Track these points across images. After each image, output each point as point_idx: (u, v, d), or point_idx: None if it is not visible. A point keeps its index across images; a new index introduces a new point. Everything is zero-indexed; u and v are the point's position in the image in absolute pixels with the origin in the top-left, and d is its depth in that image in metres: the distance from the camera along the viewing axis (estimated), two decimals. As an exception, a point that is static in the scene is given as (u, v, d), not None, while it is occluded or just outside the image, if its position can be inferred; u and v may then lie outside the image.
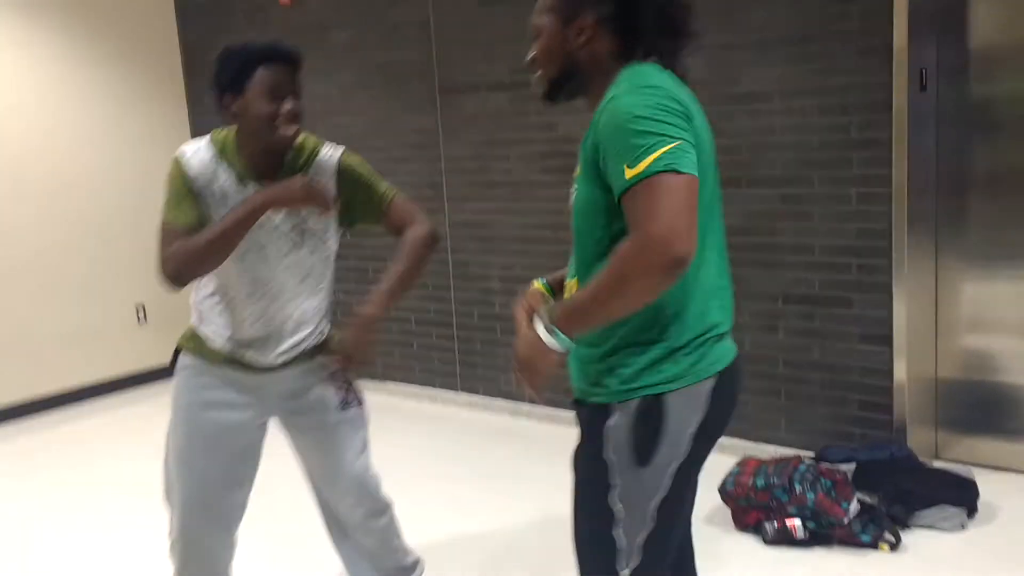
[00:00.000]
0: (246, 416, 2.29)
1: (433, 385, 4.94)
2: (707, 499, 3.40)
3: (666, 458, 1.59)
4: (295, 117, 2.10)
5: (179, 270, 2.05)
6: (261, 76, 2.07)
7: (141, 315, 5.58)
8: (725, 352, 1.67)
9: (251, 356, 2.24)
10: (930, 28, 3.36)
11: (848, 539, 2.98)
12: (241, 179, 2.15)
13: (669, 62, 1.65)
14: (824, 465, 3.20)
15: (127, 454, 4.35)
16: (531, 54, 1.74)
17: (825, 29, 3.44)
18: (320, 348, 2.32)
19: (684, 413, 1.59)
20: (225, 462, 2.28)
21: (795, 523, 3.01)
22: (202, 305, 2.28)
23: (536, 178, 4.33)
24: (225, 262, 2.11)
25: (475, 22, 4.41)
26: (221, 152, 2.16)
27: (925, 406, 3.58)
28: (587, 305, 1.54)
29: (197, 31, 5.68)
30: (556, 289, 1.92)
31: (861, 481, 3.19)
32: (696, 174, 1.48)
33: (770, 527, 3.05)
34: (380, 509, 2.44)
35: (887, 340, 3.48)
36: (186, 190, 2.13)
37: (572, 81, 1.71)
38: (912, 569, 2.85)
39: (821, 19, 3.45)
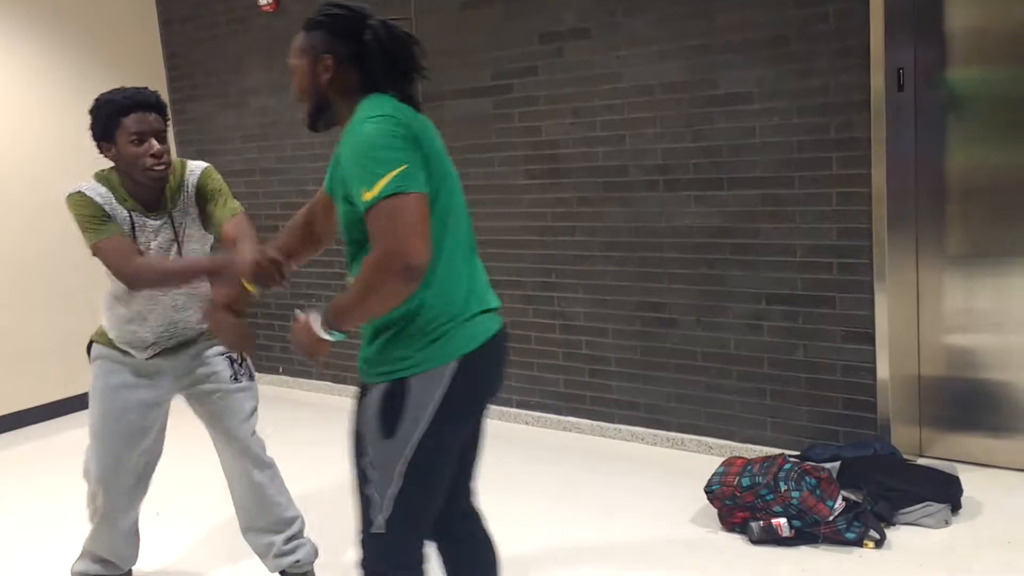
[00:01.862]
0: (148, 395, 2.72)
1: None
2: (694, 499, 3.43)
3: (408, 431, 1.88)
4: (159, 155, 2.49)
5: (146, 284, 2.52)
6: (126, 124, 2.47)
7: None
8: (472, 335, 1.92)
9: (140, 346, 2.67)
10: (907, 28, 3.39)
11: (833, 537, 3.00)
12: (132, 211, 2.57)
13: (401, 94, 1.95)
14: (809, 464, 3.21)
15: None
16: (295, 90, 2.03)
17: (802, 30, 3.47)
18: (204, 334, 2.75)
19: (424, 394, 1.87)
20: (131, 435, 2.70)
21: (781, 522, 3.02)
22: (107, 305, 2.70)
23: (519, 182, 4.34)
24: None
25: (456, 28, 4.42)
26: (110, 189, 2.56)
27: (908, 404, 3.61)
28: (349, 307, 1.86)
29: (180, 40, 5.68)
30: (290, 253, 2.23)
31: (846, 479, 3.21)
32: (424, 191, 1.79)
33: (756, 526, 3.06)
34: (261, 465, 2.81)
35: (870, 339, 3.51)
36: (102, 212, 2.52)
37: (326, 112, 2.00)
38: (897, 565, 2.86)
39: (798, 20, 3.48)
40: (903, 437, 3.57)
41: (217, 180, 2.70)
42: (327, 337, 1.91)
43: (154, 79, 5.70)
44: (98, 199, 2.54)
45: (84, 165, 5.31)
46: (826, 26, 3.42)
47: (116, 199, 2.56)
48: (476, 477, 2.22)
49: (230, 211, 2.64)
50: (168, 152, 2.55)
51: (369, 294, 1.79)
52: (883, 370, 3.49)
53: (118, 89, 2.53)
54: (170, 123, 2.76)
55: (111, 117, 2.48)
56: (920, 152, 3.47)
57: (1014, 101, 3.29)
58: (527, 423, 4.52)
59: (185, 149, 5.79)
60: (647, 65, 3.86)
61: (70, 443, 4.72)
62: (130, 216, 2.57)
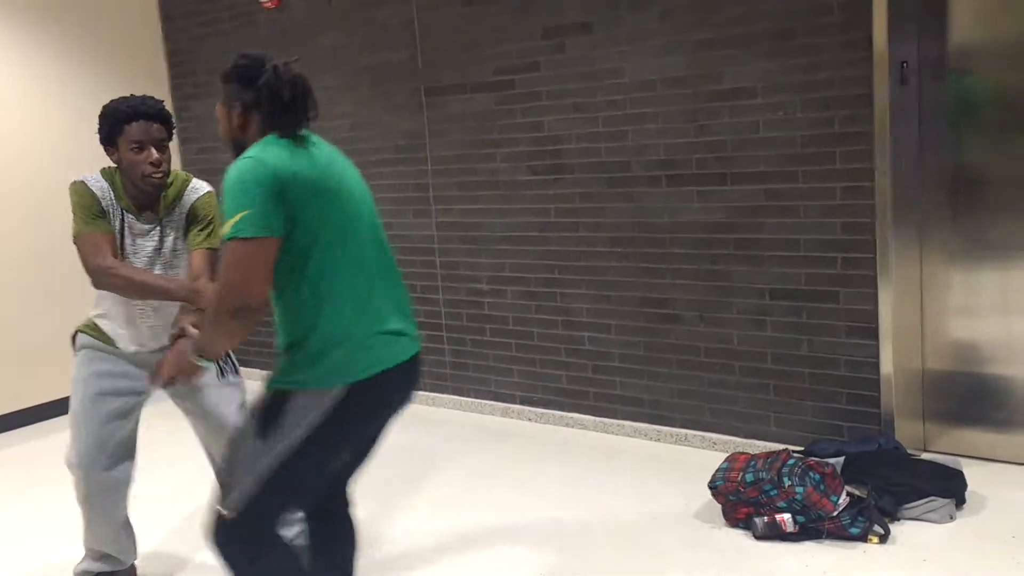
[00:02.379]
0: (128, 385, 2.81)
1: (423, 388, 4.94)
2: (697, 495, 3.42)
3: (278, 441, 1.98)
4: (157, 164, 2.63)
5: (107, 285, 2.63)
6: (127, 132, 2.61)
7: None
8: (368, 362, 2.02)
9: (125, 344, 2.80)
10: (910, 22, 3.37)
11: (837, 532, 2.99)
12: (127, 210, 2.70)
13: (294, 132, 2.06)
14: (813, 459, 3.20)
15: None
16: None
17: (806, 24, 3.46)
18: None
19: (301, 413, 1.97)
20: (109, 419, 2.77)
21: (785, 517, 3.02)
22: (97, 301, 2.82)
23: (522, 178, 4.33)
24: None
25: (459, 23, 4.41)
26: (111, 186, 2.70)
27: (912, 398, 3.60)
28: (203, 338, 2.08)
29: (182, 37, 5.67)
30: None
31: (850, 474, 3.20)
32: (270, 235, 1.91)
33: (760, 522, 3.06)
34: None
35: (874, 333, 3.50)
36: (98, 207, 2.65)
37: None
38: (901, 560, 2.86)
39: (802, 14, 3.46)
40: (907, 432, 3.56)
41: (211, 208, 2.79)
42: (199, 363, 2.12)
43: (156, 76, 5.70)
44: (97, 192, 2.68)
45: (85, 160, 5.32)
46: (831, 19, 3.41)
47: (115, 196, 2.70)
48: (359, 475, 2.34)
49: (206, 242, 2.75)
50: (167, 161, 2.68)
51: (213, 328, 2.00)
52: (887, 365, 3.48)
53: (125, 98, 2.66)
54: (175, 132, 2.82)
55: (115, 124, 2.62)
56: (924, 146, 3.46)
57: (1019, 95, 3.28)
58: (530, 419, 4.52)
59: (187, 146, 5.79)
60: (650, 60, 3.85)
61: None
62: (123, 215, 2.70)
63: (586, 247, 4.19)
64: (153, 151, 2.63)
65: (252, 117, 2.11)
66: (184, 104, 5.76)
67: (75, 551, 3.22)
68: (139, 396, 2.86)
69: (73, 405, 2.80)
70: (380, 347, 2.05)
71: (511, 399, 4.61)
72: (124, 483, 2.88)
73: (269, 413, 2.02)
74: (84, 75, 5.31)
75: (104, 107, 2.66)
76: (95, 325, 2.84)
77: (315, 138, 2.15)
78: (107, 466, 2.80)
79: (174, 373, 2.39)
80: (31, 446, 4.70)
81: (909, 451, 3.43)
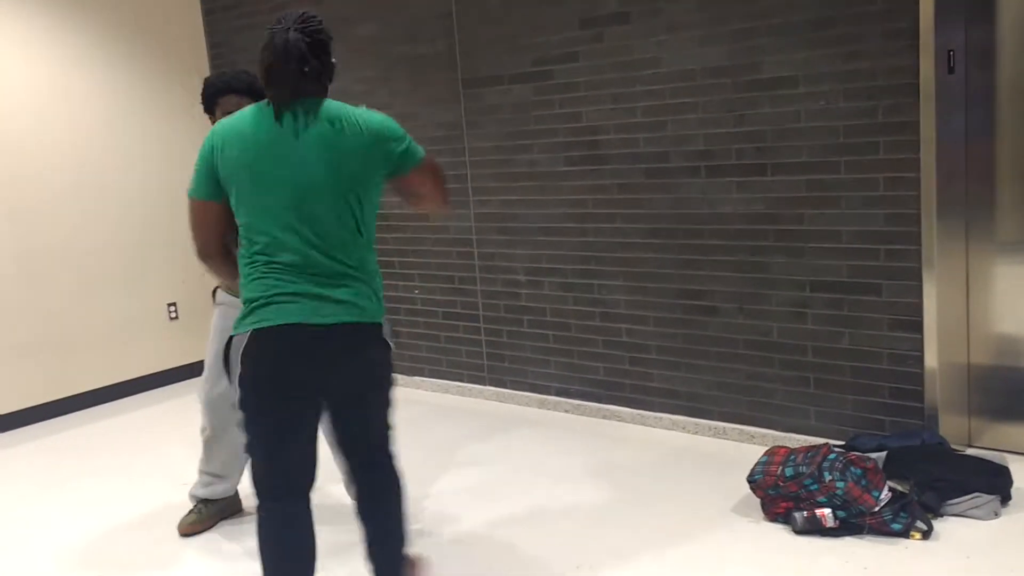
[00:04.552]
0: None
1: (461, 379, 4.95)
2: (735, 488, 3.40)
3: (232, 377, 2.31)
4: None
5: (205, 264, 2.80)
6: (221, 103, 2.97)
7: (172, 313, 5.65)
8: (265, 317, 2.25)
9: None
10: (957, 9, 3.30)
11: (879, 528, 2.96)
12: None
13: (272, 99, 2.26)
14: (854, 453, 3.17)
15: (159, 449, 4.41)
16: None
17: (849, 11, 3.40)
18: None
19: (235, 351, 2.29)
20: None
21: (825, 512, 2.98)
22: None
23: (560, 169, 4.32)
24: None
25: (498, 13, 4.40)
26: None
27: (957, 393, 3.54)
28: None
29: (223, 29, 5.72)
30: None
31: (892, 469, 3.16)
32: (197, 197, 2.34)
33: (799, 516, 3.02)
34: None
35: (918, 327, 3.44)
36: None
37: None
38: (944, 557, 2.82)
39: (844, 1, 3.40)
40: (951, 427, 3.50)
41: None
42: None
43: (197, 67, 5.76)
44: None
45: (131, 151, 5.41)
46: (874, 7, 3.35)
47: None
48: (368, 441, 2.47)
49: None
50: None
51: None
52: (931, 359, 3.43)
53: (222, 72, 3.00)
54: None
55: (210, 96, 2.97)
56: (971, 136, 3.39)
57: (1070, 83, 3.20)
58: (567, 411, 4.52)
59: (228, 138, 5.84)
60: (688, 50, 3.81)
61: (106, 430, 4.82)
62: None
63: (623, 238, 4.17)
64: None
65: None
66: (224, 96, 5.81)
67: (111, 539, 3.28)
68: None
69: (210, 352, 3.19)
70: (280, 306, 2.25)
71: (548, 390, 4.60)
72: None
73: (224, 357, 2.35)
74: (128, 68, 5.37)
75: (204, 80, 3.04)
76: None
77: (324, 109, 2.27)
78: (230, 411, 3.10)
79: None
80: (76, 432, 4.79)
81: (953, 446, 3.38)
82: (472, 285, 4.79)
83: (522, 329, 4.65)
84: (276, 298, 2.25)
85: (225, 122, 2.31)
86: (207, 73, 5.83)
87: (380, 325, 2.37)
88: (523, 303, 4.62)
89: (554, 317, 4.50)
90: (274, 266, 2.26)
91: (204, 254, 2.39)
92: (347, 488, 3.12)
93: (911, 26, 3.28)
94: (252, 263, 2.30)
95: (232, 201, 2.31)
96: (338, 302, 2.27)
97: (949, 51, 3.31)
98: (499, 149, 4.54)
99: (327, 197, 2.25)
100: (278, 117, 2.24)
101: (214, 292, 3.25)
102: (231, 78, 2.95)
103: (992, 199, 3.40)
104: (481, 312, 4.79)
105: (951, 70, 3.33)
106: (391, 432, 2.51)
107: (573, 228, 4.33)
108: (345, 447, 2.48)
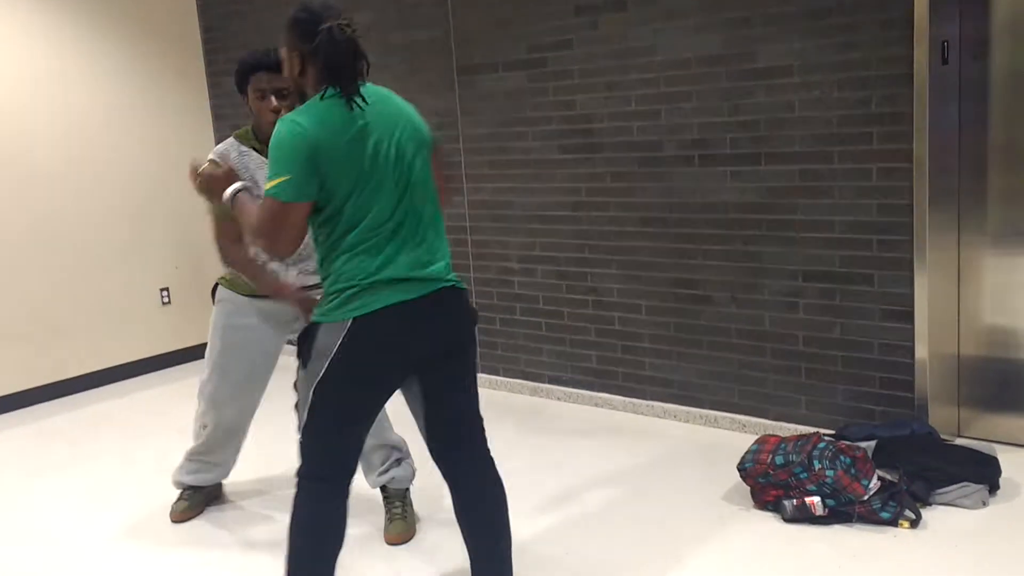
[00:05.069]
0: (263, 335, 3.16)
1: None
2: (726, 476, 3.41)
3: (315, 367, 2.25)
4: (276, 111, 2.93)
5: (224, 259, 3.04)
6: (252, 81, 2.96)
7: (165, 298, 5.64)
8: (364, 303, 2.23)
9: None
10: (952, 1, 3.30)
11: (868, 516, 2.97)
12: (260, 153, 3.02)
13: (345, 92, 2.22)
14: (844, 442, 3.18)
15: (151, 434, 4.41)
16: None
17: (844, 2, 3.40)
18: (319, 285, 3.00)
19: (325, 341, 2.24)
20: (247, 367, 3.18)
21: (814, 500, 3.00)
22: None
23: (554, 156, 4.32)
24: None
25: (493, 0, 4.38)
26: (244, 141, 3.05)
27: (947, 383, 3.56)
28: (237, 210, 2.44)
29: (216, 14, 5.69)
30: None
31: (882, 458, 3.17)
32: (299, 200, 2.17)
33: (789, 504, 3.04)
34: None
35: (908, 317, 3.46)
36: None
37: (304, 100, 2.30)
38: (932, 546, 2.84)
39: (841, -8, 3.41)
40: (941, 417, 3.53)
41: None
42: (223, 196, 2.43)
43: (190, 53, 5.74)
44: (223, 151, 3.03)
45: (124, 134, 5.38)
46: (869, -3, 3.35)
47: (247, 145, 3.04)
48: (461, 409, 2.44)
49: None
50: (288, 108, 2.92)
51: (246, 228, 2.35)
52: (922, 349, 3.44)
53: (253, 51, 2.99)
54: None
55: (243, 75, 2.97)
56: (964, 127, 3.40)
57: (1063, 75, 3.21)
58: (559, 399, 4.53)
59: (220, 123, 5.83)
60: (684, 38, 3.80)
61: (114, 411, 4.82)
62: (257, 156, 3.02)
63: (617, 226, 4.17)
64: (273, 99, 2.94)
65: (309, 67, 2.27)
66: (216, 80, 5.79)
67: (103, 523, 3.28)
68: (274, 351, 3.21)
69: (213, 351, 3.18)
70: (387, 288, 2.24)
71: (540, 378, 4.61)
72: (245, 421, 3.30)
73: (303, 343, 2.29)
74: (121, 52, 5.34)
75: (238, 59, 3.03)
76: (233, 276, 3.15)
77: (371, 92, 2.29)
78: (232, 413, 3.22)
79: (206, 183, 2.56)
80: (68, 417, 4.79)
81: (943, 436, 3.40)
82: (465, 272, 4.79)
83: (515, 317, 4.66)
84: (377, 283, 2.25)
85: (318, 111, 2.20)
86: (200, 59, 5.81)
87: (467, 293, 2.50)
88: (516, 291, 4.62)
89: (547, 305, 4.50)
90: (373, 250, 2.25)
91: (281, 254, 2.25)
92: (367, 477, 3.21)
93: (906, 16, 3.28)
94: (350, 251, 2.25)
95: (332, 198, 2.22)
96: (435, 279, 2.32)
97: (943, 42, 3.32)
98: (493, 136, 4.53)
99: (421, 176, 2.33)
100: (352, 107, 2.23)
101: (214, 290, 3.23)
102: (262, 56, 2.95)
103: (985, 190, 3.41)
104: (474, 300, 4.79)
105: (945, 61, 3.34)
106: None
107: (567, 216, 4.33)
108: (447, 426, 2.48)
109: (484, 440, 2.50)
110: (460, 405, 2.44)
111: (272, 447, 4.03)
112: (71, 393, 5.18)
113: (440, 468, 2.49)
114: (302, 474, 2.37)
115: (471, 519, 2.47)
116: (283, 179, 2.15)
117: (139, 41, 5.45)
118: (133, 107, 5.44)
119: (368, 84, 2.33)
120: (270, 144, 2.21)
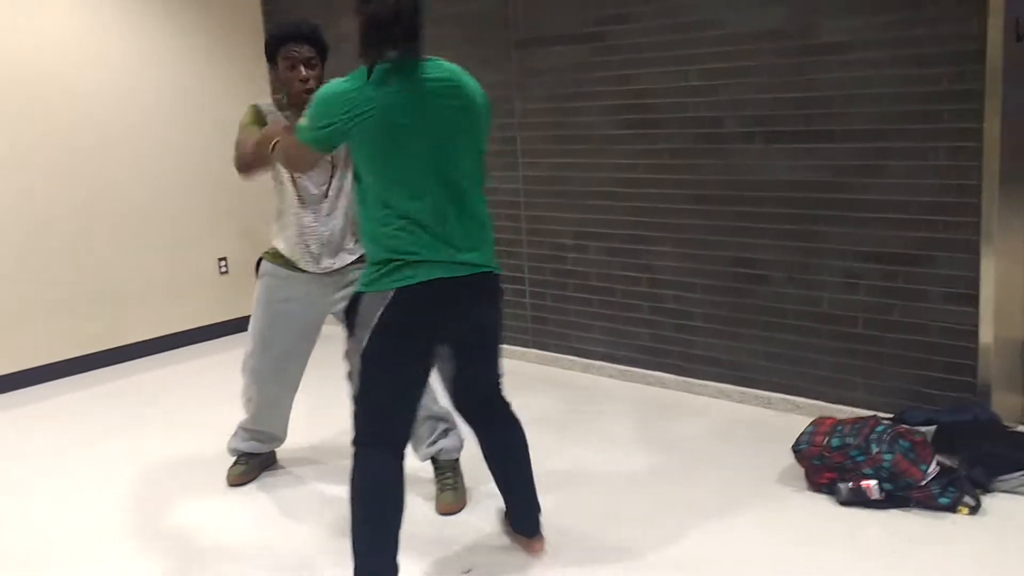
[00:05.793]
0: (306, 308, 3.20)
1: (505, 342, 4.96)
2: (780, 457, 3.38)
3: (361, 334, 2.35)
4: (305, 80, 2.98)
5: (241, 164, 2.98)
6: (283, 53, 2.98)
7: (223, 267, 5.73)
8: (407, 276, 2.31)
9: (305, 264, 3.14)
10: (1030, -26, 3.19)
11: (926, 502, 2.93)
12: (288, 118, 3.02)
13: (398, 51, 2.29)
14: (903, 426, 3.13)
15: (206, 401, 4.49)
16: None
17: (916, -24, 3.31)
18: (360, 260, 3.11)
19: (369, 309, 2.33)
20: (290, 340, 3.22)
21: (871, 484, 2.96)
22: (274, 224, 3.21)
23: (612, 132, 4.28)
24: (284, 184, 3.13)
25: (551, -26, 4.35)
26: (280, 107, 3.12)
27: (1012, 369, 3.47)
28: (286, 139, 2.60)
29: (275, -14, 5.72)
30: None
31: (941, 443, 3.12)
32: (320, 151, 2.37)
33: (844, 487, 3.00)
34: None
35: (973, 300, 3.38)
36: (256, 117, 3.09)
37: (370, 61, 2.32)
38: (992, 533, 2.78)
39: (912, -35, 3.31)
40: (1005, 403, 3.44)
41: None
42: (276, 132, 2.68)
43: (250, 23, 5.78)
44: (263, 107, 3.13)
45: (186, 104, 5.45)
46: (941, -29, 3.25)
47: (281, 112, 3.09)
48: (486, 376, 2.67)
49: None
50: (315, 78, 2.99)
51: (285, 149, 2.54)
52: (986, 333, 3.36)
53: (283, 22, 3.05)
54: (327, 52, 3.10)
55: (273, 46, 2.99)
56: (1037, 106, 3.29)
57: None
58: (611, 376, 4.52)
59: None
60: (746, 12, 3.73)
61: (141, 384, 4.91)
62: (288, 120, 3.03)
63: (673, 204, 4.13)
64: (302, 69, 2.98)
65: (370, 32, 2.30)
66: (276, 54, 5.82)
67: (160, 487, 3.36)
68: (317, 324, 3.26)
69: (257, 324, 3.22)
70: (428, 264, 2.32)
71: (592, 355, 4.60)
72: (288, 395, 3.37)
73: (350, 312, 2.39)
74: (182, 27, 5.41)
75: (268, 31, 2.99)
76: (276, 251, 3.19)
77: (433, 67, 2.35)
78: (276, 383, 3.27)
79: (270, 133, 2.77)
80: (127, 382, 4.90)
81: (1006, 423, 3.32)
82: (519, 248, 4.79)
83: (567, 293, 4.64)
84: (421, 260, 2.33)
85: (367, 79, 2.25)
86: (260, 31, 5.85)
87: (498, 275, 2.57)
88: (569, 267, 4.60)
89: (600, 282, 4.49)
90: (419, 228, 2.33)
91: (294, 168, 2.63)
92: (415, 450, 3.24)
93: (980, -9, 3.18)
94: (397, 226, 2.32)
95: (365, 168, 2.33)
96: (474, 264, 2.41)
97: (1017, 19, 3.21)
98: (549, 111, 4.50)
99: (471, 159, 2.42)
100: (409, 77, 2.29)
101: (257, 264, 3.28)
102: (291, 27, 2.99)
103: (1057, 172, 3.31)
104: (527, 275, 4.79)
105: (1019, 38, 3.23)
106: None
107: (622, 192, 4.30)
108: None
109: (501, 393, 2.71)
110: (486, 374, 2.66)
111: (323, 414, 4.08)
112: (131, 359, 5.30)
113: (463, 417, 2.71)
114: (357, 441, 2.44)
115: (496, 458, 2.71)
116: (319, 128, 2.28)
117: (199, 17, 5.50)
118: (193, 82, 5.50)
119: (435, 59, 2.36)
120: (320, 90, 2.30)
